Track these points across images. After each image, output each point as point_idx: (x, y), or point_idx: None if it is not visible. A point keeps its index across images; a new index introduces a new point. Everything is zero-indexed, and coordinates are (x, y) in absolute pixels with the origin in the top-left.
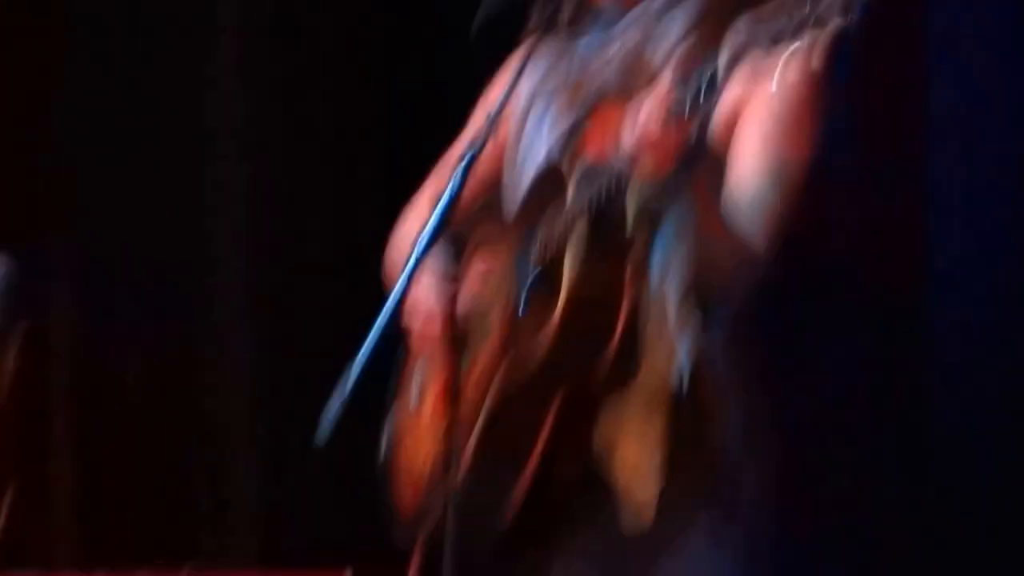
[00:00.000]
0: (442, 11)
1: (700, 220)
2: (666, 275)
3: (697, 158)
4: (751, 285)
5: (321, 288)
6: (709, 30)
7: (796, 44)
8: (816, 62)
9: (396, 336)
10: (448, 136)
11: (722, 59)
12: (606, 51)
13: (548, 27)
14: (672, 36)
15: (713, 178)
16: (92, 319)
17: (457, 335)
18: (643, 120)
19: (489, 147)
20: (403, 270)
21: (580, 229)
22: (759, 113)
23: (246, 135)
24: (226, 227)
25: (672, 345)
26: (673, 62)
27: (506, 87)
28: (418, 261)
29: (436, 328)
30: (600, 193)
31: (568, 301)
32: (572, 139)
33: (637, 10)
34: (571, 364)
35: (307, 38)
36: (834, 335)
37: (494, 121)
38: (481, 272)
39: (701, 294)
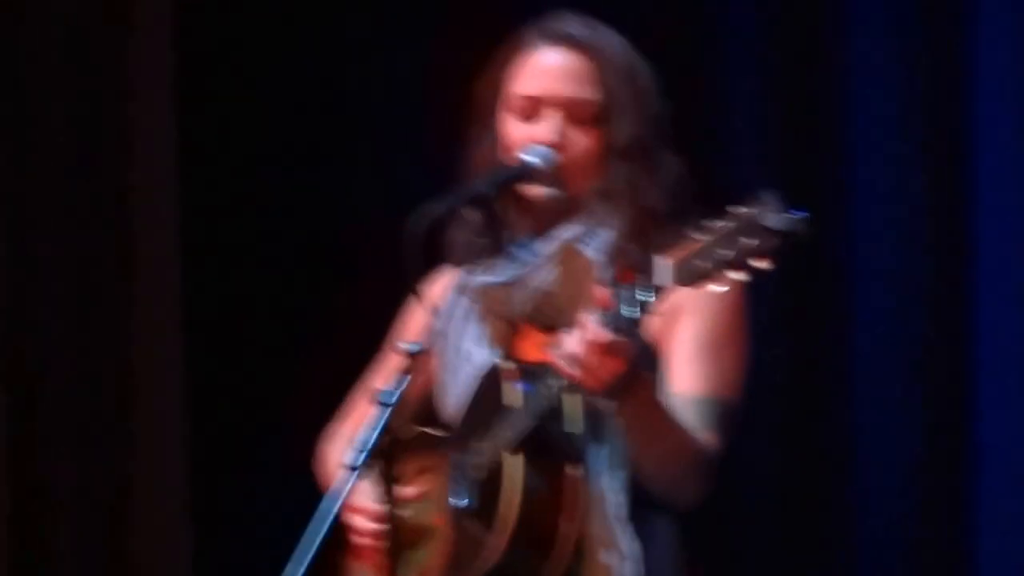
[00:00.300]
0: None
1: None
2: (609, 473)
3: (633, 374)
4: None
5: None
6: (620, 263)
7: (721, 287)
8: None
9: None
10: None
11: (650, 294)
12: (527, 283)
13: (472, 254)
14: (587, 275)
15: (652, 373)
16: None
17: (396, 548)
18: (576, 344)
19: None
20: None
21: (523, 428)
22: (692, 326)
23: None
24: None
25: (615, 548)
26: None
27: (434, 310)
28: (362, 468)
29: (373, 545)
30: (548, 393)
31: (516, 506)
32: (503, 348)
33: (549, 244)
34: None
35: None
36: None
37: (436, 332)
38: (415, 492)
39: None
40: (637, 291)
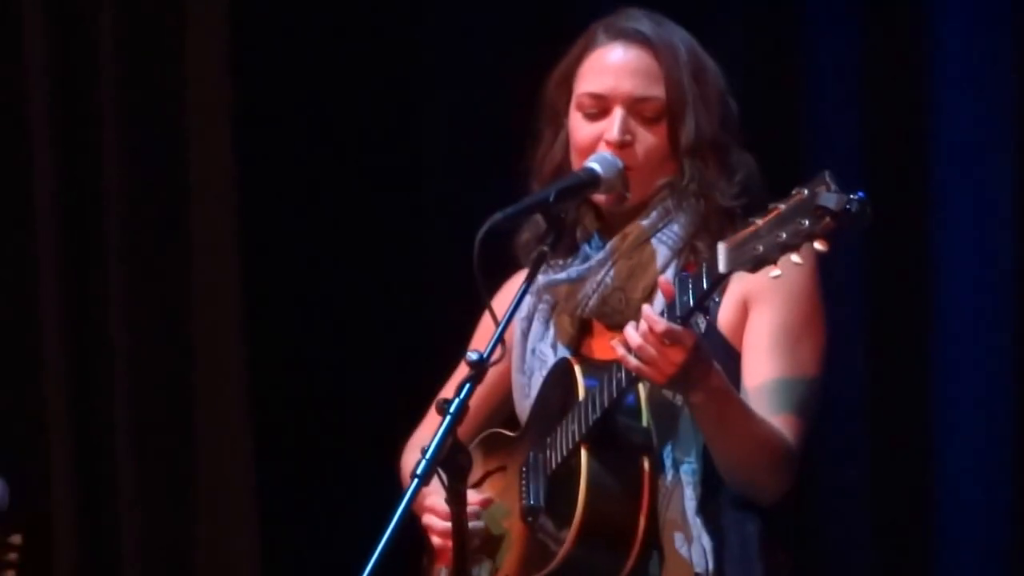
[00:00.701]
0: None
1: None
2: (682, 465)
3: (699, 364)
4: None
5: None
6: (687, 257)
7: (776, 271)
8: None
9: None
10: None
11: (707, 281)
12: (593, 279)
13: (544, 255)
14: (653, 268)
15: (726, 365)
16: None
17: (471, 551)
18: (636, 335)
19: (495, 360)
20: (412, 477)
21: (588, 421)
22: (766, 314)
23: None
24: None
25: (695, 537)
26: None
27: (510, 308)
28: (424, 475)
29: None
30: (612, 386)
31: (583, 499)
32: (571, 346)
33: (616, 240)
34: (596, 562)
35: None
36: None
37: (500, 339)
38: (487, 498)
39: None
40: (695, 280)
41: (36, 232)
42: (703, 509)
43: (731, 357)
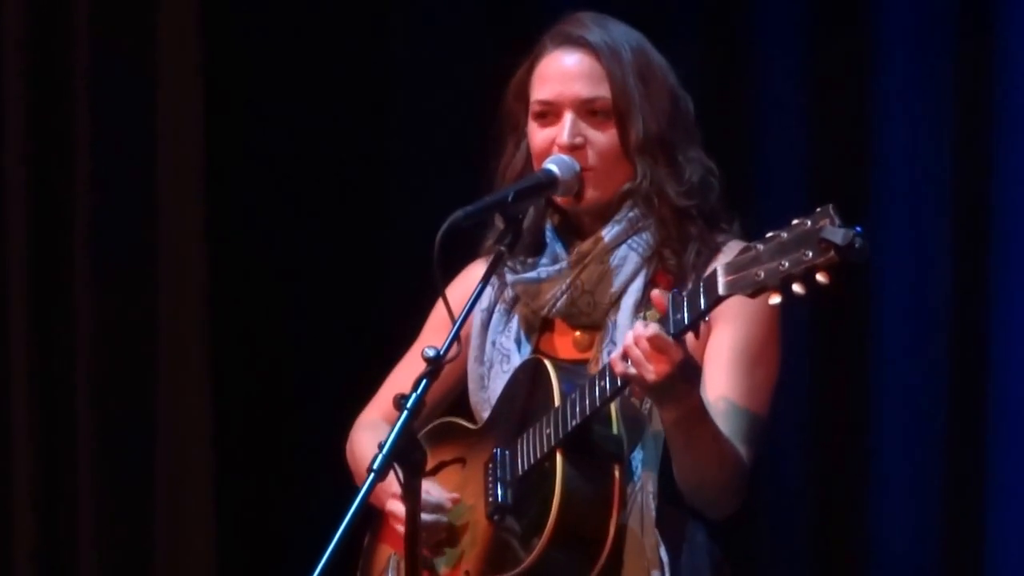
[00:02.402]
0: None
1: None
2: (645, 475)
3: (680, 380)
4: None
5: None
6: (657, 265)
7: (775, 299)
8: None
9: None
10: None
11: (704, 302)
12: (563, 281)
13: (501, 254)
14: (623, 274)
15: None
16: None
17: (434, 544)
18: (631, 339)
19: (451, 357)
20: (368, 471)
21: (565, 427)
22: (729, 332)
23: None
24: None
25: (653, 546)
26: (629, 298)
27: (470, 301)
28: (380, 471)
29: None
30: (595, 394)
31: (561, 502)
32: (536, 344)
33: (588, 243)
34: (564, 568)
35: None
36: None
37: (456, 336)
38: (456, 496)
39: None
40: (691, 299)
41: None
42: (660, 520)
43: (698, 375)
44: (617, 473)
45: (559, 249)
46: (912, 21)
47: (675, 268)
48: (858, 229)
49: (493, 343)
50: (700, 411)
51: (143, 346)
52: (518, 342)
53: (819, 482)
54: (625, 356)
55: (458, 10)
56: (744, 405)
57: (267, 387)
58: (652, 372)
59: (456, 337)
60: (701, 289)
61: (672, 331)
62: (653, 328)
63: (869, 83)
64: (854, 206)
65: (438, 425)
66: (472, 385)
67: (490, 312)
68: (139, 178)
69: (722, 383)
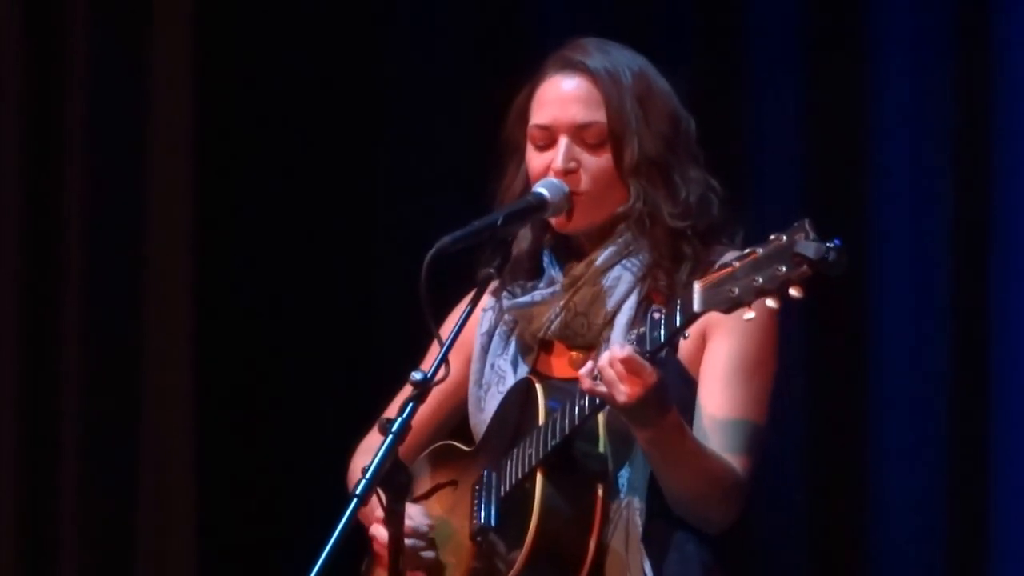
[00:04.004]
0: None
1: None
2: (633, 491)
3: (655, 401)
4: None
5: None
6: (651, 285)
7: (750, 314)
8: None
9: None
10: None
11: (679, 319)
12: (556, 303)
13: (490, 277)
14: (617, 294)
15: (682, 392)
16: None
17: (421, 566)
18: (603, 359)
19: (439, 379)
20: (352, 496)
21: (547, 445)
22: (724, 345)
23: None
24: None
25: (638, 563)
26: (623, 316)
27: (458, 325)
28: (363, 496)
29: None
30: (575, 413)
31: (539, 522)
32: (532, 365)
33: (582, 266)
34: None
35: None
36: None
37: (444, 359)
38: (428, 519)
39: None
40: (668, 317)
41: None
42: (648, 535)
43: (688, 385)
44: (600, 491)
45: (555, 272)
46: (908, 31)
47: (666, 289)
48: (836, 242)
49: (492, 366)
50: (675, 430)
51: (128, 354)
52: (515, 363)
53: (816, 491)
54: (596, 374)
55: (450, 35)
56: (741, 416)
57: (252, 401)
58: (623, 393)
59: (444, 360)
60: (677, 306)
61: (649, 348)
62: (628, 350)
63: (866, 94)
64: (852, 216)
65: (438, 448)
66: (471, 408)
67: (490, 336)
68: (130, 180)
69: (718, 395)
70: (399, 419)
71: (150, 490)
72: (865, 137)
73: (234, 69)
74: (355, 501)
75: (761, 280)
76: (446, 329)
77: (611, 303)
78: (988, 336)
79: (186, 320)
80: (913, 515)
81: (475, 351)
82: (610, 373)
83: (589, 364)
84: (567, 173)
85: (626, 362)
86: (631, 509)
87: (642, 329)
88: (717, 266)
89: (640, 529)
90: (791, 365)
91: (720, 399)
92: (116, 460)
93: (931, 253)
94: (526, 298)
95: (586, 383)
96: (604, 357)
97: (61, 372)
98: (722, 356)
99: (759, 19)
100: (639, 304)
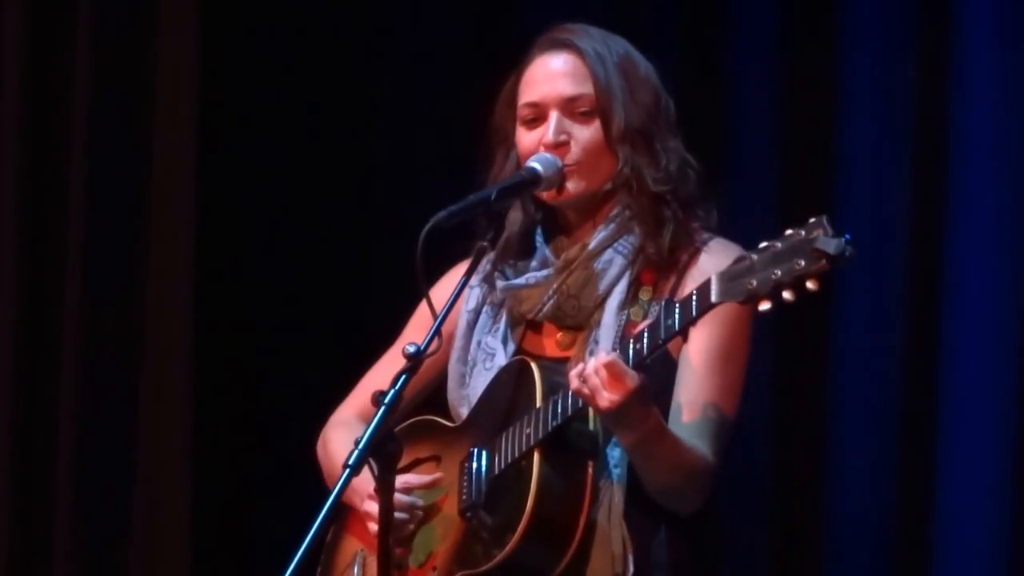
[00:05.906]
0: None
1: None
2: (615, 470)
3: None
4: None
5: None
6: (642, 269)
7: (766, 305)
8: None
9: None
10: None
11: (696, 309)
12: (549, 286)
13: (484, 249)
14: (608, 277)
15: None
16: None
17: (404, 539)
18: (590, 363)
19: (431, 352)
20: (344, 467)
21: (544, 426)
22: (704, 332)
23: None
24: None
25: (619, 538)
26: (613, 300)
27: (451, 297)
28: (356, 465)
29: (374, 530)
30: (568, 394)
31: (536, 502)
32: (522, 345)
33: (575, 249)
34: (533, 563)
35: None
36: None
37: (437, 331)
38: (425, 482)
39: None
40: (683, 306)
41: None
42: (628, 512)
43: (669, 368)
44: (591, 469)
45: (547, 253)
46: (874, 27)
47: (655, 256)
48: (847, 237)
49: (479, 343)
50: (656, 432)
51: (128, 355)
52: (504, 341)
53: (780, 474)
54: (584, 378)
55: (444, 36)
56: (714, 404)
57: (247, 391)
58: (605, 399)
59: (438, 332)
60: (695, 296)
61: (663, 337)
62: (611, 356)
63: (835, 87)
64: (819, 203)
65: (416, 422)
66: (451, 383)
67: (477, 313)
68: (130, 180)
69: (694, 383)
70: (392, 391)
71: (145, 487)
72: (833, 125)
73: (234, 69)
74: (347, 471)
75: (779, 273)
76: (435, 294)
77: (602, 286)
78: (940, 320)
79: (185, 317)
80: (868, 488)
81: (460, 327)
82: (595, 380)
83: (580, 366)
84: (558, 146)
85: (609, 367)
86: (615, 486)
87: (657, 316)
88: (736, 259)
89: (622, 506)
90: (758, 353)
91: (696, 386)
92: (112, 457)
93: (891, 237)
94: (520, 280)
95: (574, 383)
96: (591, 363)
97: (58, 369)
98: (699, 344)
99: (739, 18)
100: (629, 287)
